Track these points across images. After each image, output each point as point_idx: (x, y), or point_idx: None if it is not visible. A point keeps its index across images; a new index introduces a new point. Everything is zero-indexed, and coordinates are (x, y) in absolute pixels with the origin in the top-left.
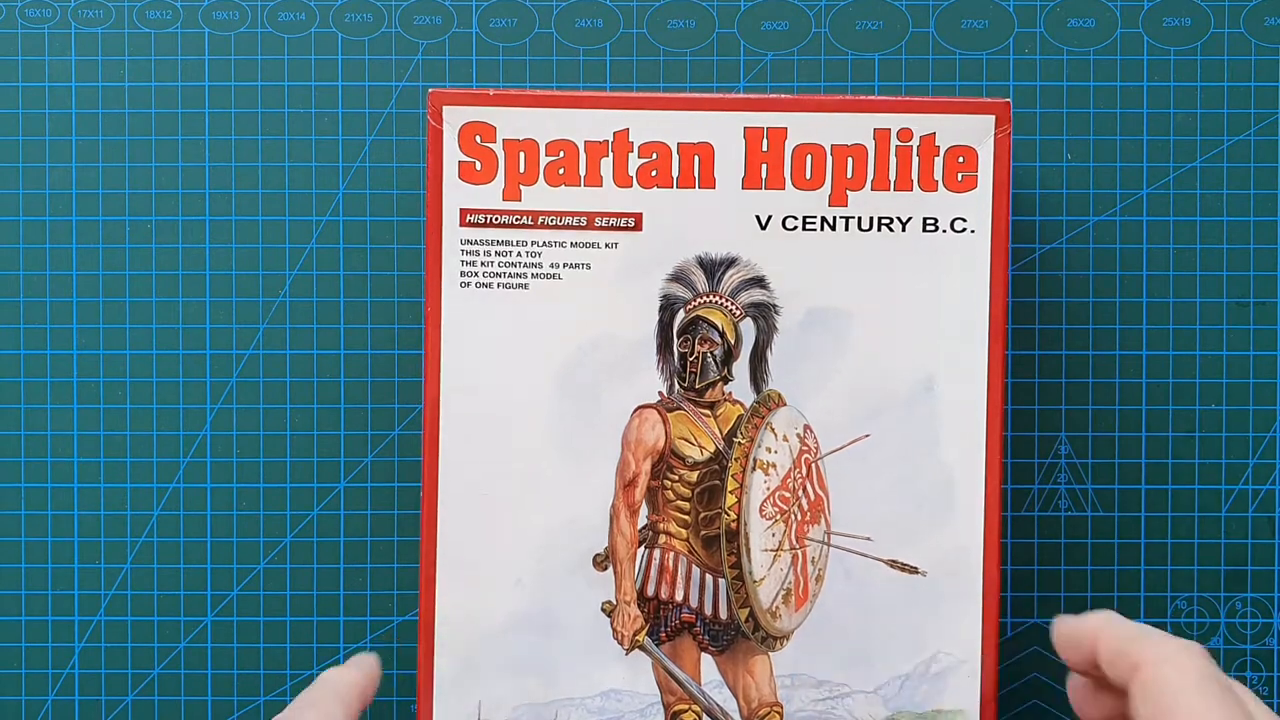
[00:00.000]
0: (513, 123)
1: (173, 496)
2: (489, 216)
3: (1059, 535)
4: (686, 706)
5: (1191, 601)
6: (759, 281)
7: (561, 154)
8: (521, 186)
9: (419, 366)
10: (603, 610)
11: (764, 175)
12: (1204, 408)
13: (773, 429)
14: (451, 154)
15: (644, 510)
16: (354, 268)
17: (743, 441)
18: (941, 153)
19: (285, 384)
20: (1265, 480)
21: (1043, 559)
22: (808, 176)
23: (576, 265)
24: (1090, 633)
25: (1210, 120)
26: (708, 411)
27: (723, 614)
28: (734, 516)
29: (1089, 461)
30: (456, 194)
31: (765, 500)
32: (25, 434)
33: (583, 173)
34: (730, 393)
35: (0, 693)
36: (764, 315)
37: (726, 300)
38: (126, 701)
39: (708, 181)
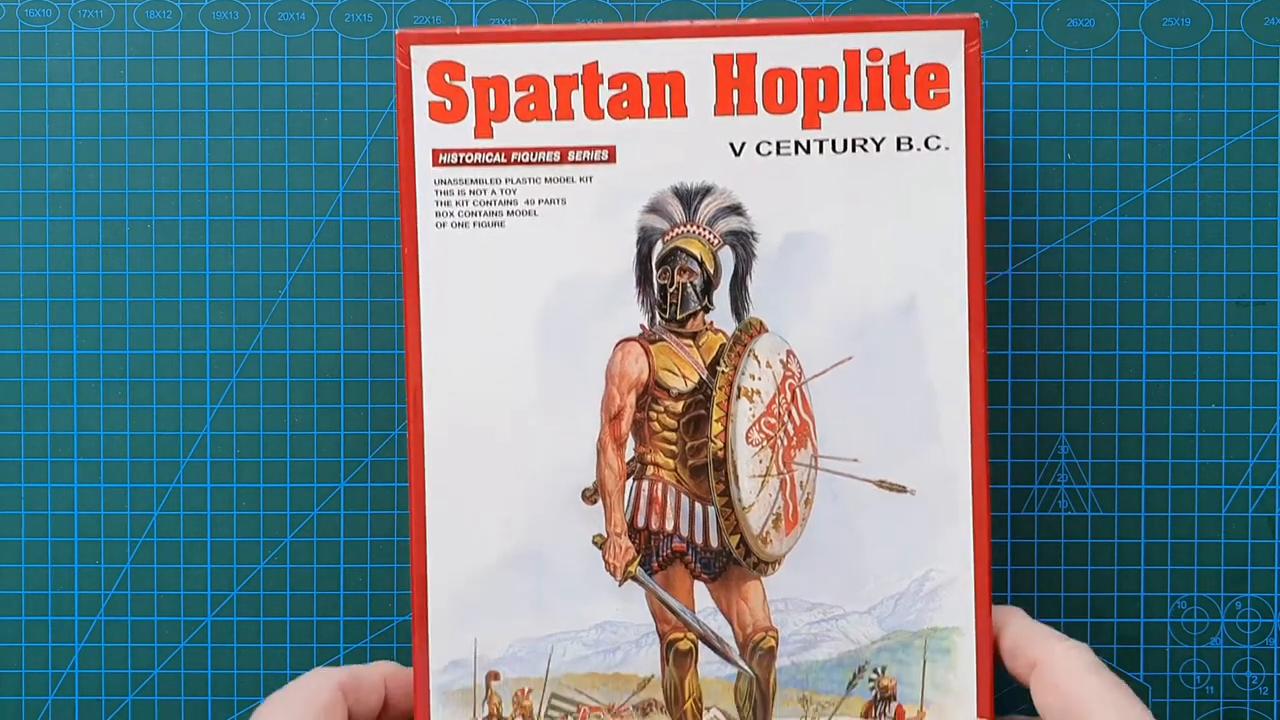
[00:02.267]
0: (481, 60)
1: (173, 496)
2: (461, 155)
3: (1059, 535)
4: (682, 634)
5: (1191, 601)
6: (736, 209)
7: (531, 89)
8: (493, 124)
9: None
10: (594, 544)
11: (736, 102)
12: (1204, 408)
13: (756, 356)
14: (421, 94)
15: (631, 442)
16: (354, 268)
17: (726, 370)
18: (912, 71)
19: (285, 384)
20: (1265, 480)
21: (1043, 559)
22: (779, 101)
23: (552, 201)
24: (997, 625)
25: (1210, 120)
26: (690, 342)
27: (713, 542)
28: (720, 444)
29: (1089, 461)
30: (428, 134)
31: (751, 427)
32: (25, 434)
33: (554, 107)
34: (711, 322)
35: (0, 693)
36: (742, 243)
37: (704, 229)
38: (126, 701)
39: (679, 111)
